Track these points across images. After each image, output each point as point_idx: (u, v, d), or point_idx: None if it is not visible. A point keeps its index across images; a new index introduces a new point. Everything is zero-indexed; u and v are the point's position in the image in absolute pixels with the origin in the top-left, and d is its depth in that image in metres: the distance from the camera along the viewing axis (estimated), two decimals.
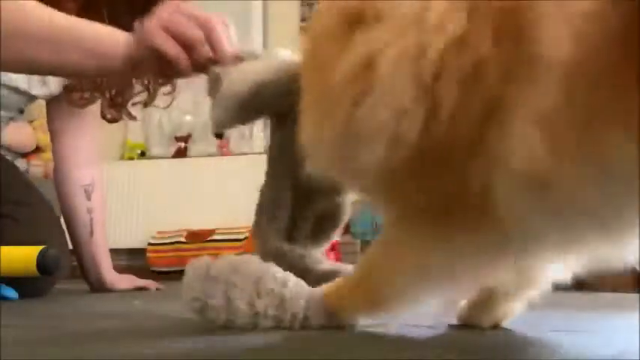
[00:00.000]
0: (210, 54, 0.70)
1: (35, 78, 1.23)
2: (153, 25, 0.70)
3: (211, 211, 2.82)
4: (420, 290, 0.51)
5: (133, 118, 1.30)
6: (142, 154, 3.19)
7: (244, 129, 3.10)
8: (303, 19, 3.20)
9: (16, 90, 1.23)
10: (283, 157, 0.64)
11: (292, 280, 0.59)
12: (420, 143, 0.39)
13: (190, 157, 3.11)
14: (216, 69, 0.67)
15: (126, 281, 1.37)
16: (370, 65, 0.40)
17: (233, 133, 3.13)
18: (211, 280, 0.58)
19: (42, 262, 0.99)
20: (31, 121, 2.85)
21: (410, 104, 0.38)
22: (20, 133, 2.74)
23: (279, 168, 0.66)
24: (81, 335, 0.61)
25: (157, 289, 1.41)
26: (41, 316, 0.86)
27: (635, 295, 1.06)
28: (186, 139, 3.15)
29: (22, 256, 1.00)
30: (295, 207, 0.65)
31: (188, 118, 3.10)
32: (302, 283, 0.59)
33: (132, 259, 2.73)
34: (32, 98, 1.31)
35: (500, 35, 0.37)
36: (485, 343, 0.51)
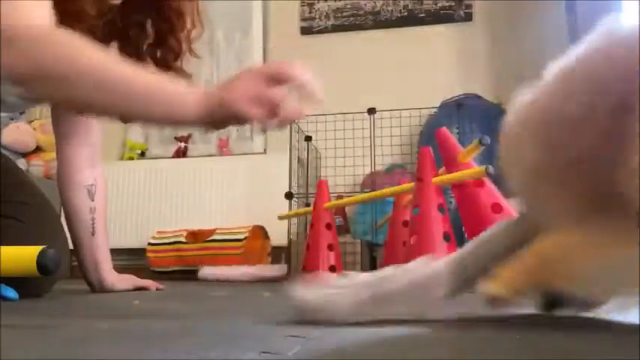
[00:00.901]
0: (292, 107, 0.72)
1: None
2: (236, 97, 0.71)
3: (211, 211, 2.82)
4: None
5: None
6: (142, 154, 3.19)
7: (244, 129, 3.11)
8: (303, 19, 3.20)
9: (21, 97, 1.21)
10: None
11: None
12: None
13: (190, 157, 3.11)
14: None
15: (126, 281, 1.37)
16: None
17: (233, 134, 3.13)
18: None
19: (42, 262, 0.99)
20: (30, 121, 2.85)
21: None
22: (20, 133, 2.74)
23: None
24: (81, 335, 0.61)
25: (157, 289, 1.42)
26: (41, 316, 0.85)
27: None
28: (186, 139, 3.15)
29: (22, 256, 1.00)
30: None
31: None
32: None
33: (132, 259, 2.73)
34: (37, 102, 1.30)
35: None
36: (485, 343, 0.51)
